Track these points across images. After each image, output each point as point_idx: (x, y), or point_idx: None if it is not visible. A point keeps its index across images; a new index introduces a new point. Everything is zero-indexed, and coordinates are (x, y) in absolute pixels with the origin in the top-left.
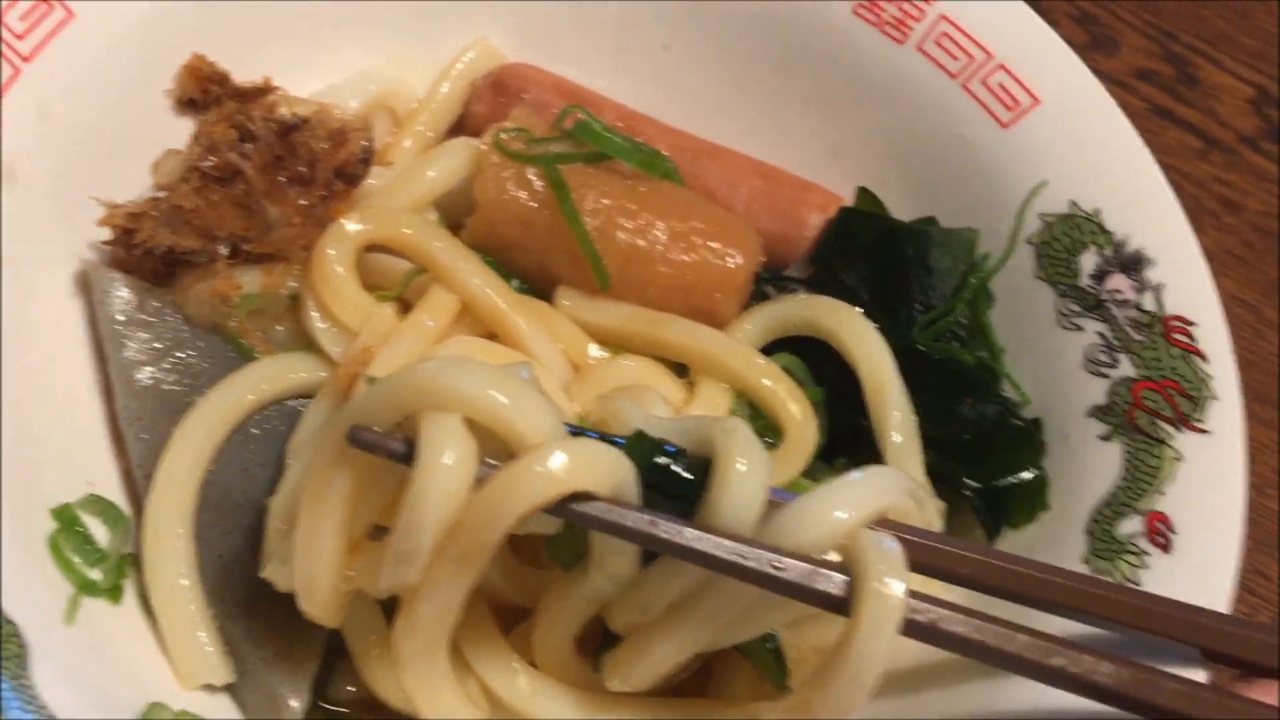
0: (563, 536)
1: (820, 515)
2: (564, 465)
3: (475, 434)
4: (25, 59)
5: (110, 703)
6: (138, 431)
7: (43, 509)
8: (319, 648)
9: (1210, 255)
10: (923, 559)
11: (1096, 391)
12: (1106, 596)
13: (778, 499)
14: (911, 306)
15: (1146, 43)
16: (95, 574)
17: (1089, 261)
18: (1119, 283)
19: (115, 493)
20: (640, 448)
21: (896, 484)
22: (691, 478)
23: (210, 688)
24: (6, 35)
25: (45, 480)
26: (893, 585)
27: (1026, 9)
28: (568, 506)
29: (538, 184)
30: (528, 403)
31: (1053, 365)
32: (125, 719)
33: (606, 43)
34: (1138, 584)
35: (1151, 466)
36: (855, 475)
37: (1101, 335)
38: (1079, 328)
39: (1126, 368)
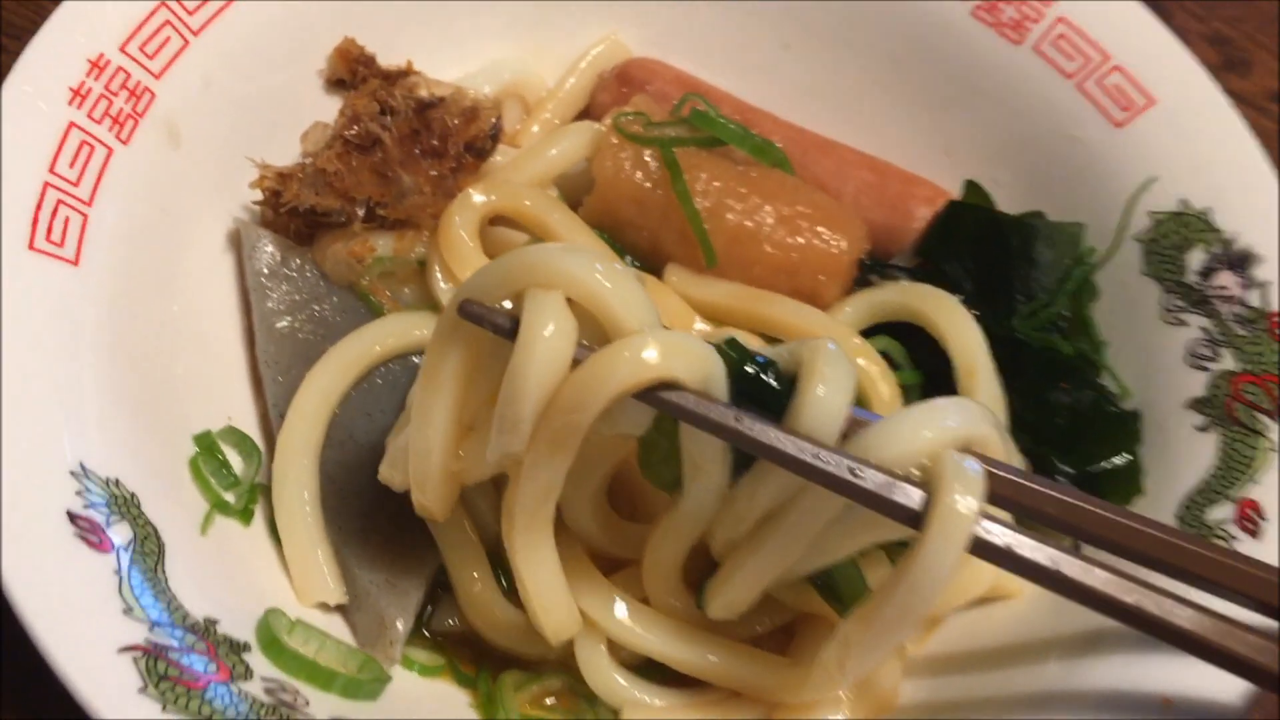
0: (657, 453)
1: (905, 432)
2: (657, 351)
3: (577, 317)
4: (195, 33)
5: (234, 603)
6: (275, 374)
7: (187, 434)
8: (425, 580)
9: None
10: (1007, 493)
11: (1196, 384)
12: (1198, 553)
13: (865, 418)
14: (1014, 298)
15: None
16: (229, 496)
17: (1196, 259)
18: (1226, 279)
19: (253, 428)
20: (732, 352)
21: (982, 414)
22: (779, 388)
23: (324, 606)
24: (179, 10)
25: (191, 410)
26: (967, 501)
27: (1144, 11)
28: (657, 395)
29: (653, 165)
30: (629, 291)
31: (1154, 359)
32: (244, 619)
33: (729, 41)
34: None
35: (1246, 457)
36: (941, 401)
37: (1205, 330)
38: (1183, 323)
39: (1228, 361)
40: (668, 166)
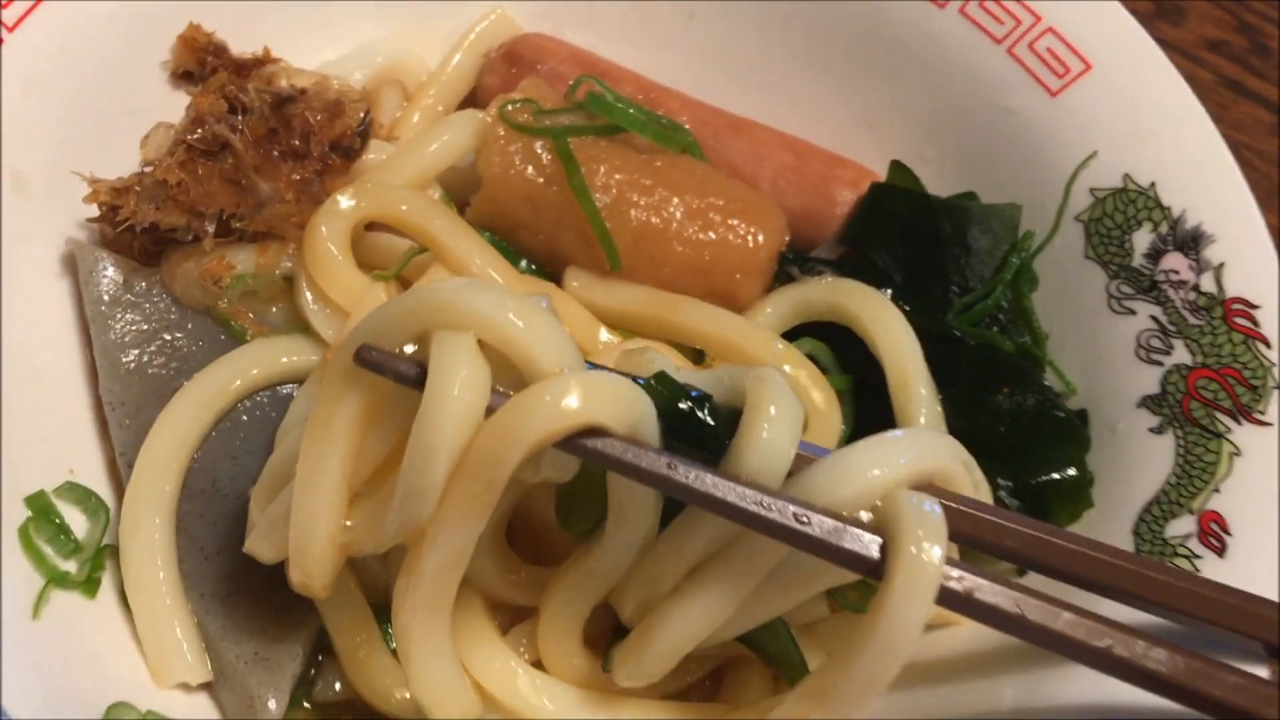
0: (577, 500)
1: (855, 471)
2: (580, 395)
3: (488, 359)
4: (9, 29)
5: (73, 701)
6: (122, 417)
7: (17, 497)
8: (301, 649)
9: (1279, 236)
10: (964, 528)
11: (1148, 380)
12: (1166, 582)
13: (810, 454)
14: (948, 289)
15: (1216, 11)
16: (70, 565)
17: (1143, 240)
18: (1175, 262)
19: (99, 480)
20: (663, 389)
21: (943, 446)
22: (715, 424)
23: (186, 686)
24: None
25: (24, 466)
26: (930, 550)
27: None
28: (581, 443)
29: (546, 158)
30: (545, 330)
31: (1101, 352)
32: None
33: (629, 10)
34: None
35: (1207, 462)
36: (896, 433)
37: (1155, 319)
38: (1131, 311)
39: (1182, 354)
40: (562, 159)
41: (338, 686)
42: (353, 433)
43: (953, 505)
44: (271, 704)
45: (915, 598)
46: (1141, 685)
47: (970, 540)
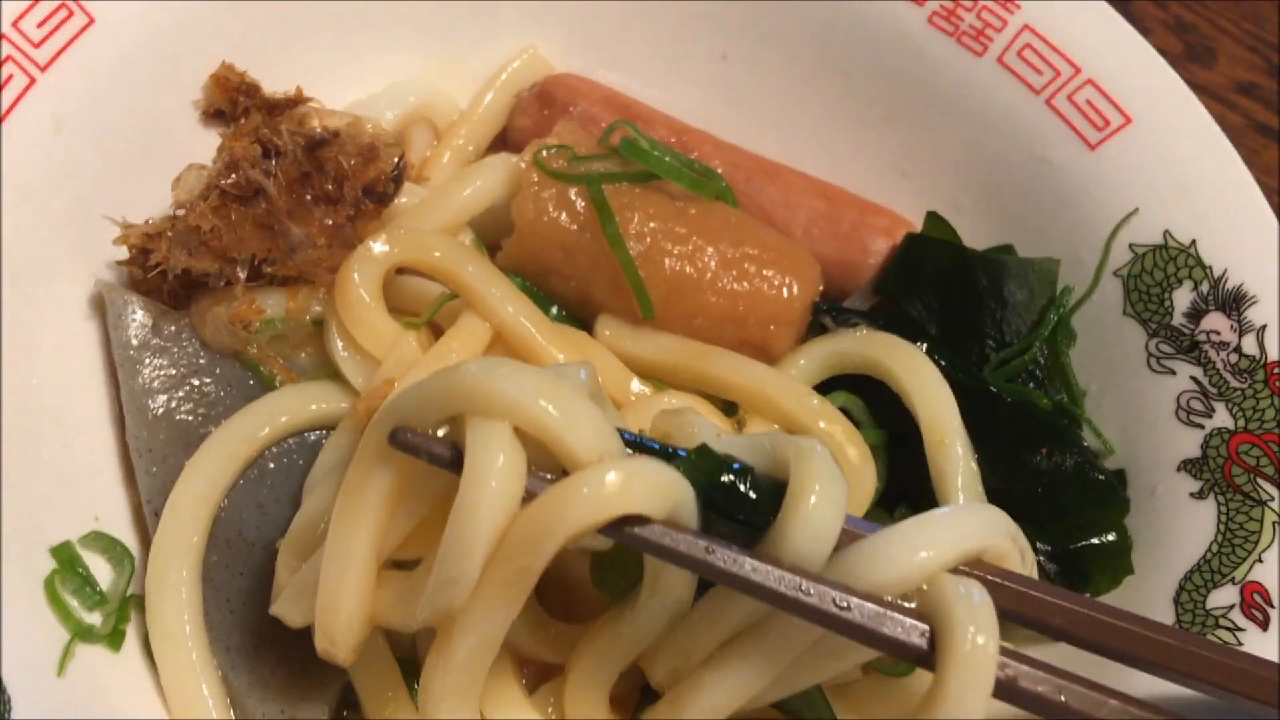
0: (613, 562)
1: (901, 553)
2: (617, 487)
3: (525, 442)
4: (41, 68)
5: None
6: (149, 464)
7: (43, 548)
8: (328, 708)
9: None
10: (1009, 605)
11: (1189, 443)
12: (1212, 659)
13: (857, 530)
14: (984, 343)
15: (1247, 53)
16: (94, 618)
17: (1184, 298)
18: (1217, 322)
19: (124, 529)
20: (703, 464)
21: (993, 523)
22: (757, 498)
23: None
24: (21, 43)
25: (48, 514)
26: (984, 644)
27: (1118, 19)
28: (620, 530)
29: (580, 205)
30: (581, 416)
31: (1140, 412)
32: None
33: (662, 52)
34: None
35: (1250, 530)
36: (944, 511)
37: (1196, 380)
38: (1171, 371)
39: (1223, 417)
40: (596, 207)
41: None
42: (383, 508)
43: (998, 581)
44: None
45: (971, 694)
46: None
47: (1015, 617)
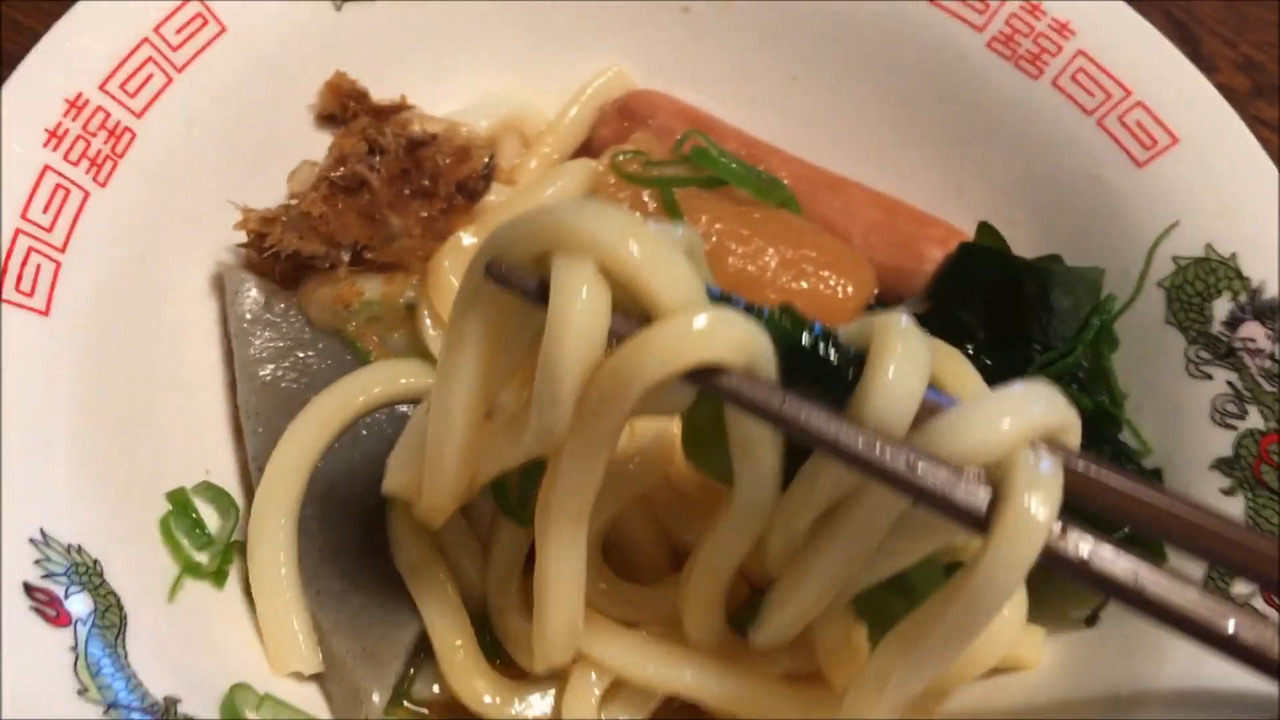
0: (704, 434)
1: (982, 423)
2: (702, 331)
3: (611, 284)
4: (179, 69)
5: (198, 679)
6: (256, 425)
7: (160, 492)
8: (404, 650)
9: None
10: (1082, 489)
11: (1222, 443)
12: None
13: (936, 402)
14: (1029, 346)
15: None
16: (202, 557)
17: (1222, 308)
18: (1253, 330)
19: (231, 482)
20: (786, 321)
21: (1063, 402)
22: (838, 364)
23: (298, 676)
24: (161, 46)
25: (167, 465)
26: (1039, 506)
27: (1169, 45)
28: (699, 378)
29: (652, 207)
30: (666, 261)
31: (1178, 414)
32: (208, 696)
33: (735, 72)
34: None
35: (1274, 524)
36: (1018, 387)
37: (1231, 385)
38: (1208, 376)
39: (1255, 419)
40: (666, 208)
41: (435, 689)
42: (482, 344)
43: (1076, 465)
44: (375, 698)
45: (1016, 550)
46: (1268, 674)
47: (1089, 502)
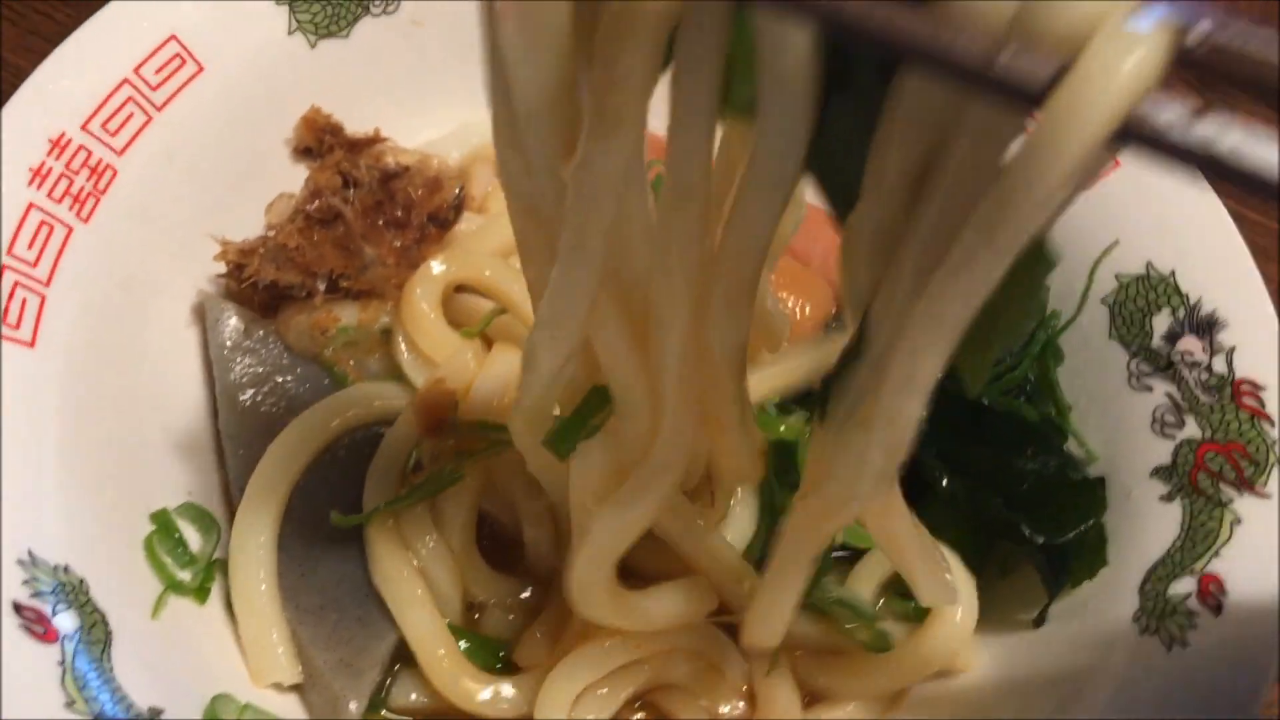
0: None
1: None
2: None
3: None
4: (158, 108)
5: (182, 690)
6: (236, 448)
7: (144, 513)
8: (381, 660)
9: None
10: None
11: (1162, 452)
12: None
13: None
14: None
15: None
16: (184, 575)
17: (1162, 322)
18: (1191, 344)
19: (213, 503)
20: None
21: None
22: None
23: (279, 686)
24: (141, 86)
25: (151, 488)
26: (1122, 58)
27: None
28: None
29: None
30: None
31: (1121, 425)
32: (191, 707)
33: None
34: (1185, 645)
35: (1210, 529)
36: None
37: (1170, 396)
38: (1149, 388)
39: (1192, 429)
40: None
41: (413, 696)
42: None
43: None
44: (353, 706)
45: (1077, 113)
46: None
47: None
